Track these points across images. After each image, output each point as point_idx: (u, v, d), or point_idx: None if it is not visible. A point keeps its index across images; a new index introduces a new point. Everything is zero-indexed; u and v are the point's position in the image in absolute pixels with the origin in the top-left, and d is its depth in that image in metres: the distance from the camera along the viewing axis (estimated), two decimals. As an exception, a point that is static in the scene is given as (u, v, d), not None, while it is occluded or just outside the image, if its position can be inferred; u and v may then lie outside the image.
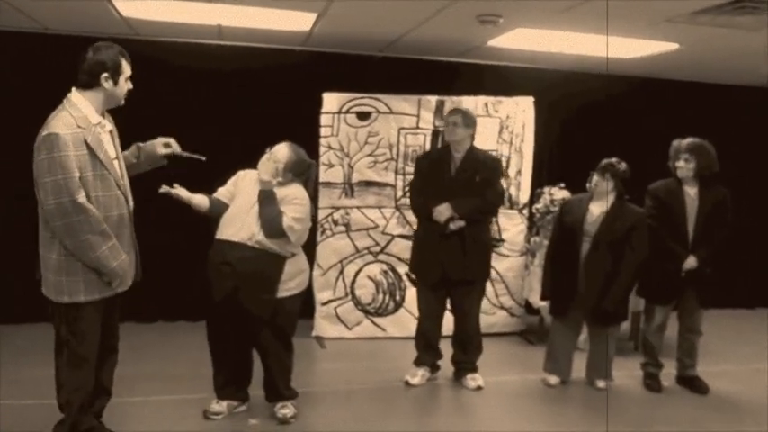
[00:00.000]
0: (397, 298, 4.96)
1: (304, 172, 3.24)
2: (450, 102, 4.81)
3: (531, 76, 5.33)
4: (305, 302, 3.49)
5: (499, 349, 4.64)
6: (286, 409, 3.31)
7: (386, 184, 4.84)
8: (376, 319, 4.95)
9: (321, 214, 4.72)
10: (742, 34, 3.91)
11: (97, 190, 2.59)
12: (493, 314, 4.99)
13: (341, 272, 4.85)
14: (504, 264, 5.02)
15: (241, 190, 3.20)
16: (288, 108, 4.85)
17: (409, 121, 4.82)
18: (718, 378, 4.14)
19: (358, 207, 4.83)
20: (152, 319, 5.00)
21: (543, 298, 4.14)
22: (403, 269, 4.91)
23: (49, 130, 2.50)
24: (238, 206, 3.15)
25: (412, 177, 4.12)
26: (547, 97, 5.13)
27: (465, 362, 4.02)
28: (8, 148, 4.43)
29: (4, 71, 4.56)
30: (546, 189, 4.95)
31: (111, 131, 2.75)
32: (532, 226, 5.04)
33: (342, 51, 5.04)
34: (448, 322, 4.06)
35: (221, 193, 3.27)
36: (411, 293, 4.91)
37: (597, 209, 3.85)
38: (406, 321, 4.91)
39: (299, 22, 4.18)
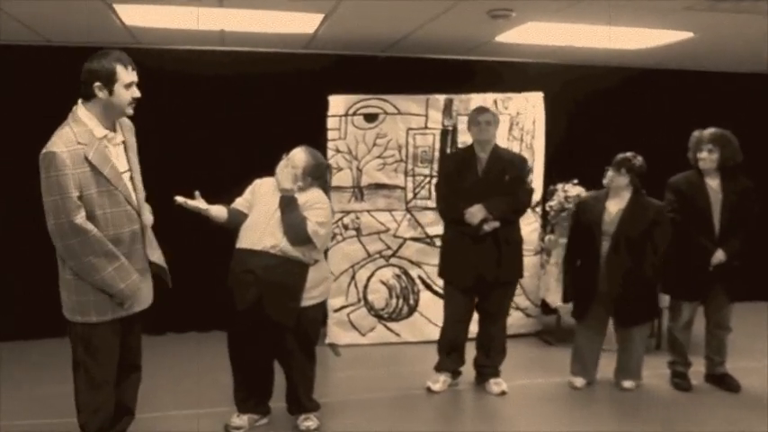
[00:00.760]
0: (411, 302, 4.86)
1: (322, 175, 3.17)
2: (459, 100, 4.73)
3: (541, 71, 5.25)
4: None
5: (517, 351, 4.53)
6: (309, 422, 3.23)
7: (396, 187, 4.75)
8: (390, 325, 4.85)
9: (331, 219, 4.62)
10: (761, 19, 3.82)
11: (104, 207, 2.48)
12: (509, 315, 4.86)
13: (353, 277, 4.75)
14: (519, 263, 4.91)
15: (259, 198, 3.14)
16: (294, 112, 4.76)
17: (417, 121, 4.73)
18: (749, 375, 4.04)
19: (368, 210, 4.73)
20: (161, 330, 4.90)
21: (565, 300, 4.03)
22: (416, 272, 4.82)
23: (47, 148, 2.39)
24: (258, 214, 3.07)
25: (437, 181, 4.02)
26: (557, 92, 5.05)
27: (488, 366, 3.92)
28: (16, 164, 4.32)
29: (8, 85, 4.48)
30: (559, 186, 4.86)
31: (123, 143, 2.63)
32: (546, 224, 4.94)
33: (346, 53, 4.94)
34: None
35: (239, 203, 3.20)
36: (425, 297, 4.85)
37: (614, 206, 3.76)
38: (420, 326, 4.83)
39: (304, 23, 4.09)
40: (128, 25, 4.09)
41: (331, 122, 4.61)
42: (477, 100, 4.66)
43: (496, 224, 3.65)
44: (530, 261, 4.92)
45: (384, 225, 4.75)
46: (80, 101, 2.52)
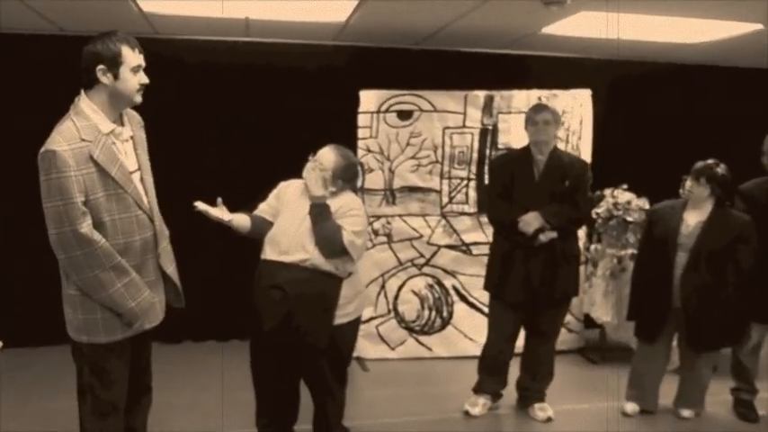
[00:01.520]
0: (445, 314, 4.53)
1: (354, 176, 2.85)
2: (500, 97, 4.40)
3: (588, 67, 4.90)
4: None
5: (560, 370, 4.15)
6: (338, 450, 2.90)
7: (430, 190, 4.41)
8: (421, 338, 4.52)
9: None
10: None
11: (113, 213, 2.19)
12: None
13: (382, 287, 4.43)
14: (562, 274, 4.56)
15: (285, 204, 2.82)
16: (322, 108, 4.47)
17: (455, 119, 4.38)
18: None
19: (400, 215, 4.40)
20: (178, 339, 4.66)
21: (630, 318, 3.66)
22: (450, 282, 4.50)
23: (46, 146, 2.09)
24: (286, 223, 2.75)
25: (488, 184, 3.72)
26: (605, 90, 4.71)
27: (533, 389, 3.59)
28: (26, 159, 4.10)
29: (20, 75, 4.27)
30: (607, 191, 4.49)
31: (131, 138, 2.32)
32: (593, 232, 4.57)
33: (379, 45, 4.63)
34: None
35: (263, 209, 2.88)
36: (460, 309, 4.53)
37: (693, 218, 3.38)
38: (454, 340, 4.51)
39: (335, 12, 3.79)
40: (146, 12, 3.83)
41: (362, 119, 4.30)
42: (520, 97, 4.35)
43: (553, 235, 3.31)
44: (574, 272, 4.59)
45: (417, 231, 4.42)
46: (82, 91, 2.22)
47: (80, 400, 2.34)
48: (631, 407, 3.61)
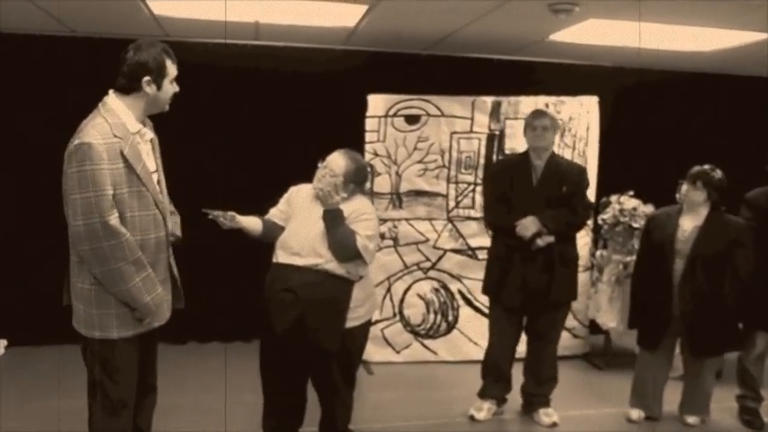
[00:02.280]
0: (450, 318, 4.53)
1: (365, 179, 2.86)
2: (507, 103, 4.41)
3: (595, 74, 4.92)
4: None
5: (565, 376, 4.16)
6: (344, 454, 2.90)
7: (437, 194, 4.42)
8: (426, 342, 4.53)
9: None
10: None
11: (134, 210, 2.22)
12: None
13: (388, 290, 4.44)
14: (568, 280, 4.57)
15: (297, 208, 2.83)
16: (330, 112, 4.51)
17: (462, 124, 4.40)
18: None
19: (407, 219, 4.41)
20: (183, 339, 4.67)
21: (631, 326, 3.66)
22: (456, 286, 4.50)
23: (81, 138, 2.13)
24: (297, 226, 2.76)
25: (483, 188, 3.71)
26: (612, 97, 4.70)
27: (537, 394, 3.58)
28: (36, 157, 4.15)
29: (32, 76, 4.29)
30: (613, 197, 4.50)
31: (151, 140, 2.38)
32: (599, 238, 4.58)
33: (387, 50, 4.65)
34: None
35: (274, 214, 2.90)
36: (465, 313, 4.53)
37: (690, 223, 3.39)
38: (459, 344, 4.51)
39: (345, 16, 3.82)
40: (157, 15, 3.87)
41: (369, 123, 4.32)
42: (528, 103, 4.35)
43: (551, 239, 3.31)
44: (579, 278, 4.51)
45: (423, 235, 4.43)
46: (113, 92, 2.27)
47: (90, 398, 2.36)
48: (636, 413, 3.60)
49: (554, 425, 3.50)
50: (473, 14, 3.71)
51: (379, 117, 4.32)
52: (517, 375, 3.65)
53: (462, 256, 4.46)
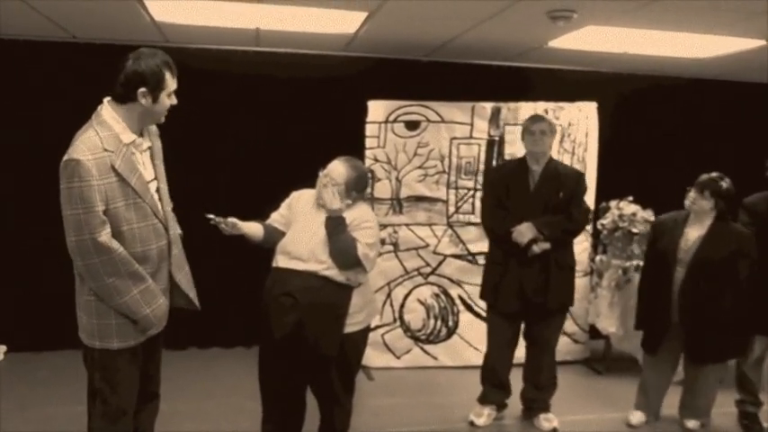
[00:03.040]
0: (450, 324, 4.54)
1: (366, 186, 2.87)
2: (507, 108, 4.42)
3: (594, 80, 4.94)
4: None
5: (565, 381, 4.17)
6: (344, 459, 2.90)
7: (437, 200, 4.44)
8: (427, 347, 4.53)
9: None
10: None
11: (131, 222, 2.22)
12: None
13: (388, 295, 4.45)
14: (567, 285, 4.57)
15: (298, 214, 2.83)
16: (330, 118, 4.51)
17: (462, 130, 4.42)
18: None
19: (407, 224, 4.42)
20: (183, 345, 4.66)
21: (637, 328, 3.67)
22: (456, 291, 4.51)
23: (69, 155, 2.11)
24: (298, 232, 2.77)
25: (482, 194, 3.72)
26: (611, 103, 4.72)
27: (537, 400, 3.59)
28: (36, 163, 4.15)
29: (33, 82, 4.30)
30: (613, 203, 4.51)
31: (149, 149, 2.36)
32: (598, 244, 4.59)
33: (387, 56, 4.67)
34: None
35: (275, 218, 2.90)
36: (465, 319, 4.53)
37: (694, 231, 3.39)
38: (459, 349, 4.52)
39: (345, 23, 3.83)
40: (157, 21, 3.87)
41: (370, 129, 4.33)
42: (527, 109, 4.36)
43: (547, 245, 3.31)
44: (579, 283, 4.54)
45: (423, 240, 4.44)
46: (107, 101, 2.25)
47: (90, 405, 2.36)
48: (636, 418, 3.62)
49: (554, 430, 3.51)
50: (473, 21, 3.73)
51: (380, 123, 4.34)
52: (517, 381, 3.66)
53: (462, 262, 4.47)
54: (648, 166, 4.95)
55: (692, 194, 3.40)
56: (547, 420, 3.54)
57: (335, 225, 2.67)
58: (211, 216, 2.64)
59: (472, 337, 4.45)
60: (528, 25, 3.77)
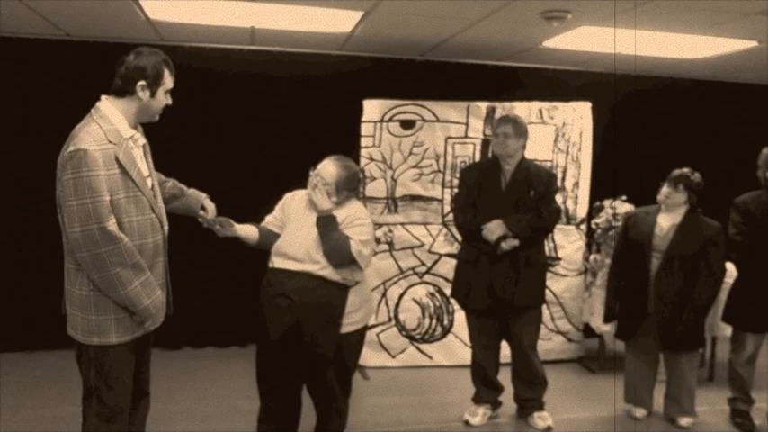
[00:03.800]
0: (445, 323, 4.55)
1: (357, 184, 2.87)
2: (502, 108, 4.43)
3: (588, 80, 4.96)
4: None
5: (559, 380, 4.21)
6: (340, 459, 2.90)
7: (432, 199, 4.45)
8: (422, 346, 4.54)
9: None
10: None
11: (131, 214, 2.23)
12: (549, 339, 4.57)
13: (384, 294, 4.45)
14: (561, 284, 4.60)
15: (291, 214, 2.83)
16: (326, 117, 4.52)
17: (457, 129, 4.43)
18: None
19: (402, 224, 4.43)
20: (177, 345, 4.65)
21: (607, 320, 3.73)
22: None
23: (76, 145, 2.12)
24: (293, 233, 2.77)
25: (457, 192, 3.74)
26: (605, 103, 4.75)
27: (530, 399, 3.60)
28: (29, 161, 4.14)
29: (26, 79, 4.27)
30: (606, 202, 4.53)
31: (143, 146, 2.39)
32: (592, 243, 4.62)
33: (383, 55, 4.67)
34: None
35: (270, 221, 2.91)
36: (460, 318, 4.49)
37: (667, 222, 3.48)
38: (455, 348, 4.52)
39: (341, 22, 3.83)
40: (152, 20, 3.86)
41: (365, 128, 4.33)
42: (521, 108, 4.38)
43: (515, 242, 3.33)
44: (573, 282, 4.62)
45: (418, 239, 4.45)
46: (105, 97, 2.27)
47: (85, 404, 2.35)
48: (640, 412, 3.67)
49: (549, 428, 3.52)
50: (468, 21, 3.74)
51: (375, 122, 4.34)
52: (508, 381, 3.66)
53: (457, 261, 4.48)
54: (642, 166, 4.97)
55: (665, 189, 3.48)
56: (541, 419, 3.56)
57: (326, 224, 2.67)
58: (203, 218, 2.63)
59: (467, 337, 4.35)
60: (523, 25, 3.78)
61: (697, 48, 4.22)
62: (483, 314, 3.49)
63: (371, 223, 2.83)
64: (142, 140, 2.37)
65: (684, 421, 3.59)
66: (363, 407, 3.75)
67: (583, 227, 4.62)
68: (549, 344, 4.55)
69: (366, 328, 2.89)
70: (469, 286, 3.47)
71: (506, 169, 3.44)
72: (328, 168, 2.77)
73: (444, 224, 4.47)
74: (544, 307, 4.09)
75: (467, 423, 3.56)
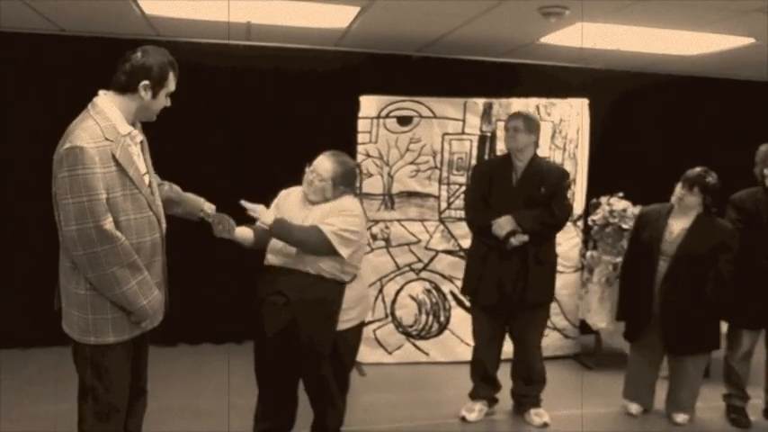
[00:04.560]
0: (442, 319, 4.55)
1: (354, 180, 2.85)
2: (499, 104, 4.42)
3: (586, 77, 4.95)
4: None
5: (555, 376, 4.19)
6: (336, 456, 2.90)
7: (429, 195, 4.44)
8: (418, 343, 4.54)
9: (359, 228, 4.32)
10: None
11: (128, 212, 2.20)
12: (545, 336, 4.51)
13: (380, 291, 4.45)
14: (558, 281, 4.50)
15: (286, 212, 2.80)
16: (322, 113, 4.50)
17: (454, 125, 4.41)
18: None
19: (399, 220, 4.42)
20: (173, 341, 4.64)
21: (618, 319, 3.73)
22: (448, 287, 4.51)
23: (72, 142, 2.09)
24: None
25: (466, 187, 3.74)
26: (602, 99, 4.74)
27: (527, 396, 3.61)
28: (24, 159, 4.11)
29: (21, 75, 4.24)
30: (603, 199, 4.53)
31: (141, 143, 2.36)
32: (588, 239, 4.62)
33: (380, 51, 4.65)
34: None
35: None
36: (456, 314, 4.54)
37: (678, 224, 3.43)
38: (451, 345, 4.52)
39: (337, 17, 3.82)
40: (147, 15, 3.84)
41: (362, 125, 4.32)
42: (519, 105, 4.37)
43: (525, 238, 3.33)
44: (569, 278, 4.62)
45: (415, 236, 4.44)
46: (104, 92, 2.24)
47: (81, 403, 2.32)
48: (635, 407, 3.67)
49: (545, 425, 3.53)
50: (465, 17, 3.73)
51: (372, 118, 4.33)
52: (507, 377, 3.66)
53: (454, 257, 4.47)
54: (639, 163, 4.98)
55: (679, 190, 3.43)
56: (538, 415, 3.56)
57: (279, 230, 2.63)
58: (206, 213, 2.61)
59: (463, 333, 4.44)
60: (520, 21, 3.78)
61: (695, 44, 4.22)
62: (491, 310, 3.49)
63: (362, 216, 2.78)
64: (140, 137, 2.33)
65: (680, 418, 3.60)
66: (360, 403, 3.74)
67: (579, 223, 4.62)
68: (545, 340, 4.39)
69: (363, 324, 2.87)
70: (479, 282, 3.47)
71: (518, 165, 3.43)
72: (324, 164, 2.75)
73: (441, 221, 4.46)
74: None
75: (463, 419, 3.57)
